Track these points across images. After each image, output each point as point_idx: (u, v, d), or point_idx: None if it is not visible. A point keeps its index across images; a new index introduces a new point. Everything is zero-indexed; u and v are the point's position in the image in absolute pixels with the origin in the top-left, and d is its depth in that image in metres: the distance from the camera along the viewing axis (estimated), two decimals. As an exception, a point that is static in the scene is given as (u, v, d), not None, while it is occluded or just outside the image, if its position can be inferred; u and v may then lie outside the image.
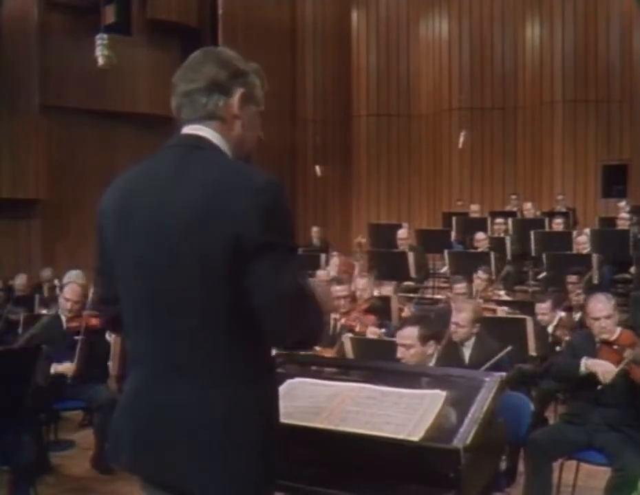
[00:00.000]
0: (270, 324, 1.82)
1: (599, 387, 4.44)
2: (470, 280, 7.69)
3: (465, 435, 2.01)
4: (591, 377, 4.47)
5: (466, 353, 5.17)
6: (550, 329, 6.49)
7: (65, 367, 5.65)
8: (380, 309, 6.99)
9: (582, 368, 4.51)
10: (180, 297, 1.84)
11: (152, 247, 1.86)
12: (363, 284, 7.05)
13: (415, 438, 2.04)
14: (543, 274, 9.94)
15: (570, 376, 4.66)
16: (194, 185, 1.82)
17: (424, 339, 4.15)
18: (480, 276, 7.92)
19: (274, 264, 1.77)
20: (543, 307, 6.75)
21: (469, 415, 2.09)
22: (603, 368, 4.43)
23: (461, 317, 5.22)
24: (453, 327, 5.20)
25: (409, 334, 4.17)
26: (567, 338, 5.82)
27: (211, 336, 1.84)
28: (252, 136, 2.05)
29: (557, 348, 6.04)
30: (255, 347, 1.88)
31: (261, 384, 1.90)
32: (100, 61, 11.11)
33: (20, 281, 9.47)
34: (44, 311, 7.12)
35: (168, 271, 1.84)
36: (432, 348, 4.20)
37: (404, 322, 4.54)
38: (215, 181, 1.82)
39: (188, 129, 2.02)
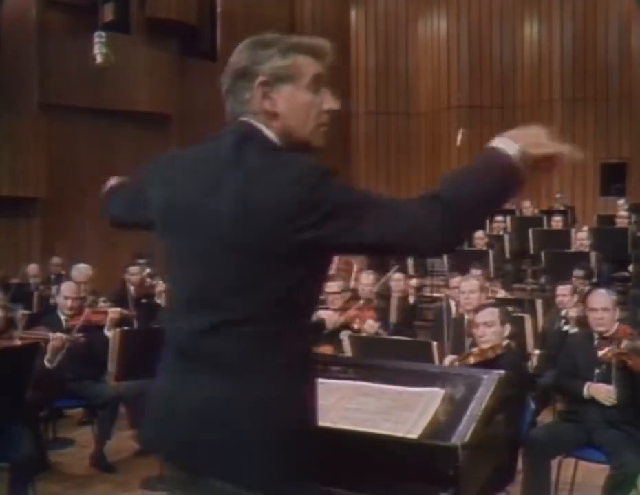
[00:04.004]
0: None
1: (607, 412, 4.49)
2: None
3: (463, 433, 2.02)
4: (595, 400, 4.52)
5: None
6: (563, 313, 6.52)
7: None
8: (382, 309, 7.00)
9: (585, 393, 4.56)
10: (219, 287, 1.79)
11: (194, 237, 1.81)
12: (365, 280, 7.06)
13: (413, 435, 2.05)
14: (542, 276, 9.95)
15: (576, 398, 4.69)
16: (241, 180, 1.75)
17: (502, 321, 4.49)
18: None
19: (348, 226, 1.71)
20: (563, 289, 6.82)
21: (467, 413, 2.09)
22: (604, 395, 4.48)
23: (468, 288, 5.79)
24: (464, 299, 5.79)
25: (491, 313, 4.52)
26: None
27: (251, 329, 1.78)
28: (300, 122, 1.87)
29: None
30: (295, 342, 1.82)
31: (299, 380, 1.83)
32: (99, 59, 11.11)
33: (32, 271, 9.70)
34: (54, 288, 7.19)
35: (208, 260, 1.79)
36: (507, 331, 4.52)
37: (482, 306, 4.84)
38: (258, 177, 1.74)
39: (242, 119, 1.89)
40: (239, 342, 1.78)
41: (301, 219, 1.69)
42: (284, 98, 1.84)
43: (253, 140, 1.83)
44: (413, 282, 8.89)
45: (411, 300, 8.47)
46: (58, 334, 5.40)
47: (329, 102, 1.90)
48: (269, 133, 1.84)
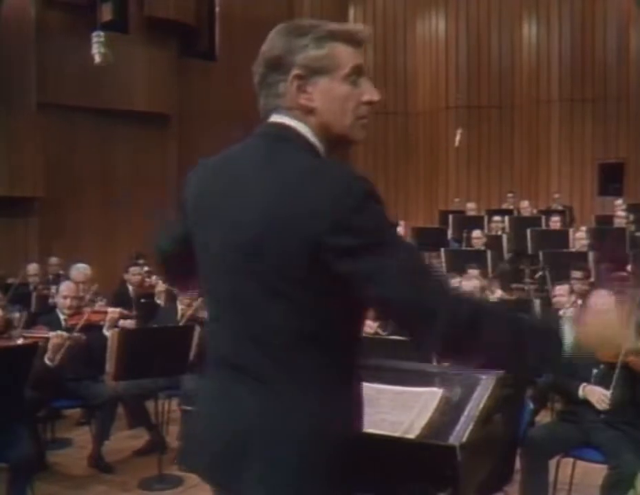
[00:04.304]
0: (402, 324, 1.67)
1: (602, 416, 4.49)
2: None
3: (461, 433, 2.02)
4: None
5: None
6: (561, 312, 6.52)
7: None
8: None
9: (580, 393, 4.57)
10: (256, 298, 1.69)
11: (228, 246, 1.71)
12: None
13: (411, 435, 2.05)
14: (540, 273, 9.95)
15: (572, 398, 4.70)
16: (271, 185, 1.66)
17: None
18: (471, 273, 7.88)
19: (368, 267, 1.58)
20: (561, 289, 6.82)
21: (465, 413, 2.09)
22: (597, 397, 4.48)
23: (470, 288, 5.90)
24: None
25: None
26: None
27: (289, 342, 1.67)
28: (338, 117, 1.76)
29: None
30: (338, 354, 1.71)
31: (344, 395, 1.73)
32: (97, 59, 11.10)
33: (32, 270, 9.71)
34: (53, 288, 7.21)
35: (242, 270, 1.69)
36: None
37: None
38: (291, 183, 1.64)
39: (274, 118, 1.78)
40: (280, 357, 1.69)
41: (330, 239, 1.58)
42: (321, 92, 1.73)
43: (288, 141, 1.73)
44: None
45: None
46: (59, 332, 5.40)
47: (369, 93, 1.78)
48: (306, 131, 1.74)
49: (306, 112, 1.73)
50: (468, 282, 6.00)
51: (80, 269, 7.35)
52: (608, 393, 4.45)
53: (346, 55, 1.74)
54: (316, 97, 1.73)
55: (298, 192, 1.62)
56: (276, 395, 1.68)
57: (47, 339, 5.26)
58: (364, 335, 6.19)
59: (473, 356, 1.70)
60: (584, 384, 4.57)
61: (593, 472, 4.69)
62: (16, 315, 6.47)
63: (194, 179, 1.88)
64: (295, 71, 1.71)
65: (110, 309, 6.26)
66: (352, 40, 1.75)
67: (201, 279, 1.88)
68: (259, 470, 1.67)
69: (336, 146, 1.80)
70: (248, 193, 1.69)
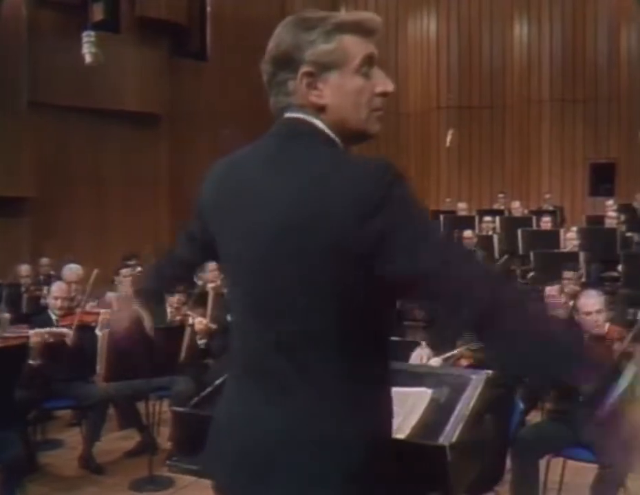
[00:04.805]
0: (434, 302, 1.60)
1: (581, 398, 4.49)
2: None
3: (451, 433, 2.02)
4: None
5: None
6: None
7: None
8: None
9: None
10: (279, 302, 1.63)
11: (249, 248, 1.66)
12: None
13: (401, 435, 2.05)
14: (531, 273, 9.98)
15: (564, 388, 4.71)
16: (293, 183, 1.60)
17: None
18: None
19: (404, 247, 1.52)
20: (552, 290, 6.85)
21: (455, 413, 2.10)
22: None
23: None
24: None
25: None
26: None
27: (313, 347, 1.61)
28: (352, 111, 1.70)
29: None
30: (365, 359, 1.65)
31: (372, 402, 1.67)
32: (88, 58, 11.06)
33: (24, 271, 9.67)
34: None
35: (265, 273, 1.64)
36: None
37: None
38: (312, 178, 1.58)
39: (287, 115, 1.72)
40: (303, 363, 1.63)
41: (360, 228, 1.52)
42: (332, 87, 1.67)
43: (305, 135, 1.67)
44: None
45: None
46: (37, 329, 5.39)
47: (383, 84, 1.72)
48: (323, 126, 1.67)
49: (318, 109, 1.67)
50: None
51: (73, 269, 7.33)
52: None
53: (355, 46, 1.67)
54: (327, 94, 1.67)
55: (321, 188, 1.56)
56: (300, 401, 1.62)
57: (27, 338, 5.25)
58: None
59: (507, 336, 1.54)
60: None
61: (583, 471, 4.70)
62: (6, 315, 6.46)
63: (209, 184, 1.82)
64: (304, 69, 1.65)
65: (102, 310, 6.23)
66: (361, 29, 1.68)
67: (227, 284, 1.84)
68: (282, 478, 1.62)
69: (352, 141, 1.75)
70: (269, 193, 1.63)
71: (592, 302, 4.79)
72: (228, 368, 1.83)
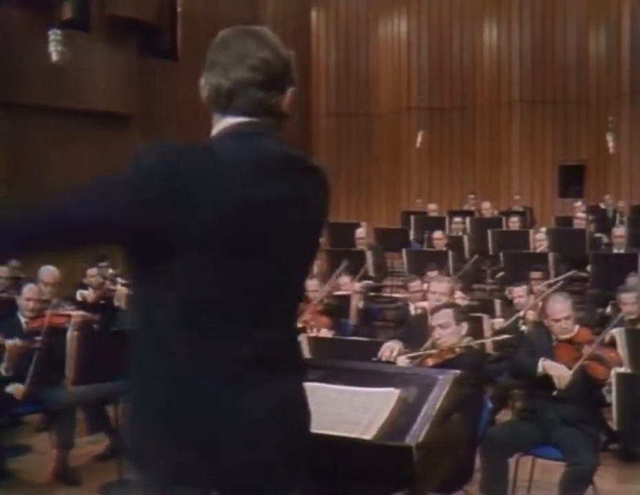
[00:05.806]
0: None
1: (555, 392, 4.52)
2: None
3: (418, 433, 2.02)
4: (547, 378, 4.55)
5: None
6: (521, 313, 6.59)
7: (14, 388, 5.36)
8: (337, 309, 6.96)
9: (539, 369, 4.59)
10: (289, 289, 1.83)
11: (275, 240, 1.73)
12: (313, 286, 6.87)
13: (367, 436, 2.05)
14: (501, 273, 10.05)
15: (528, 375, 4.73)
16: (313, 182, 1.92)
17: (458, 320, 4.52)
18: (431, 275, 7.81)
19: None
20: (519, 291, 6.92)
21: (422, 413, 2.09)
22: (559, 373, 4.51)
23: (440, 290, 5.92)
24: (435, 300, 5.76)
25: (445, 314, 4.54)
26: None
27: (295, 329, 1.92)
28: None
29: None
30: None
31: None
32: (54, 57, 10.95)
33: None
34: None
35: (280, 263, 1.76)
36: (465, 330, 4.55)
37: (438, 307, 4.81)
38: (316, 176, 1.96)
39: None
40: (294, 344, 1.89)
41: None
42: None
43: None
44: (357, 286, 8.29)
45: (360, 304, 8.09)
46: (15, 340, 5.30)
47: None
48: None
49: None
50: (440, 284, 6.00)
51: (50, 271, 7.18)
52: (570, 373, 4.49)
53: None
54: None
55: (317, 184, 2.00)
56: (297, 380, 1.87)
57: (3, 345, 5.16)
58: (324, 337, 6.07)
59: None
60: (543, 358, 4.60)
61: (552, 469, 4.74)
62: None
63: (218, 173, 1.72)
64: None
65: (73, 312, 6.13)
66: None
67: (236, 280, 1.76)
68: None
69: None
70: (306, 196, 1.88)
71: (559, 308, 4.78)
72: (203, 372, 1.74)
